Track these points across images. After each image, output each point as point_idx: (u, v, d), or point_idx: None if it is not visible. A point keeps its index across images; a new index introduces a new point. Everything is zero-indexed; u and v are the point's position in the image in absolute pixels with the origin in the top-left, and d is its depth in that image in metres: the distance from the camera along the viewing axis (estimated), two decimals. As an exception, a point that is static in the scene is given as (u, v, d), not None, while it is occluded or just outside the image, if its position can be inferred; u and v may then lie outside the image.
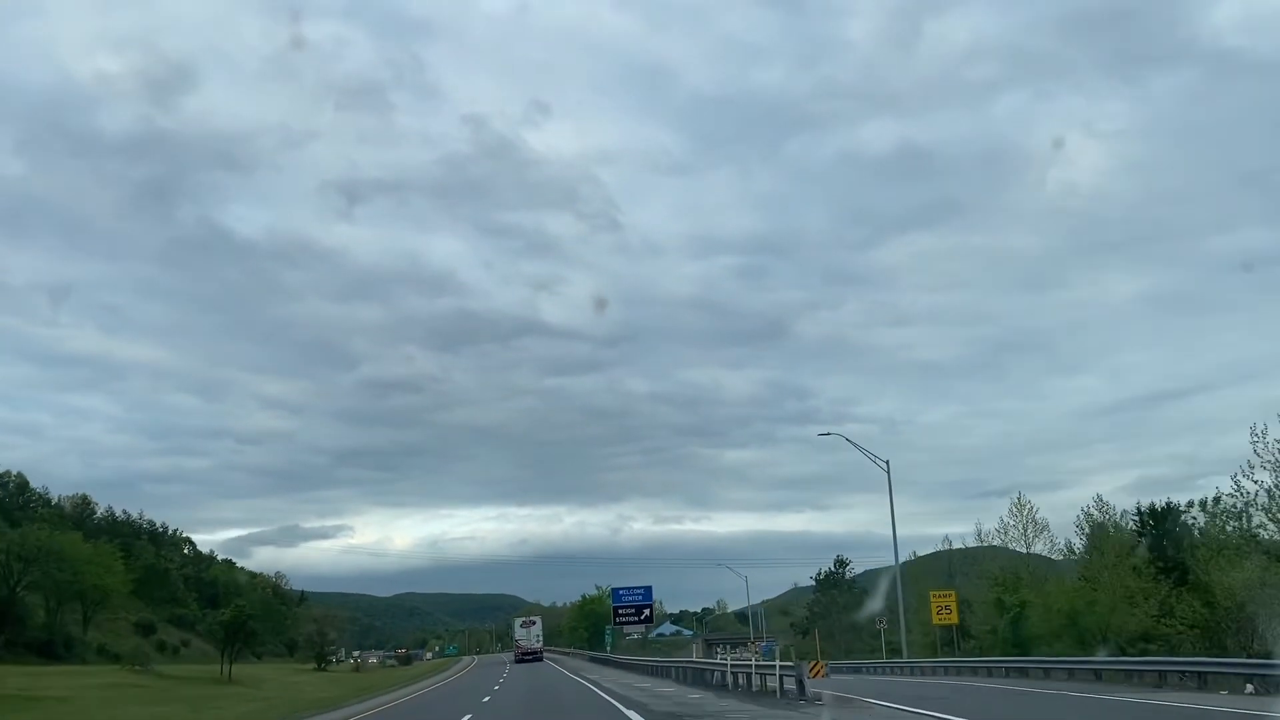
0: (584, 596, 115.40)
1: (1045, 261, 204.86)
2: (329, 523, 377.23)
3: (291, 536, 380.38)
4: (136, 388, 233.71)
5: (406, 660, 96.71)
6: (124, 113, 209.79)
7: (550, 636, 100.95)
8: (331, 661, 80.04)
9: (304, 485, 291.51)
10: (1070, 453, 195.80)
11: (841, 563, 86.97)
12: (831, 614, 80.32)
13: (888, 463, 46.76)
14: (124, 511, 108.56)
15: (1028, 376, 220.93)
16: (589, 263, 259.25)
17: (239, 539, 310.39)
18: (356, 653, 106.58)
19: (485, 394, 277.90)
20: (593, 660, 73.85)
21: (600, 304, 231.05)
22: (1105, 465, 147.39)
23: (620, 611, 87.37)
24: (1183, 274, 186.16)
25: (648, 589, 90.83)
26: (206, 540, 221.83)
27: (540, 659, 76.13)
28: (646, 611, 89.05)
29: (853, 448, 47.36)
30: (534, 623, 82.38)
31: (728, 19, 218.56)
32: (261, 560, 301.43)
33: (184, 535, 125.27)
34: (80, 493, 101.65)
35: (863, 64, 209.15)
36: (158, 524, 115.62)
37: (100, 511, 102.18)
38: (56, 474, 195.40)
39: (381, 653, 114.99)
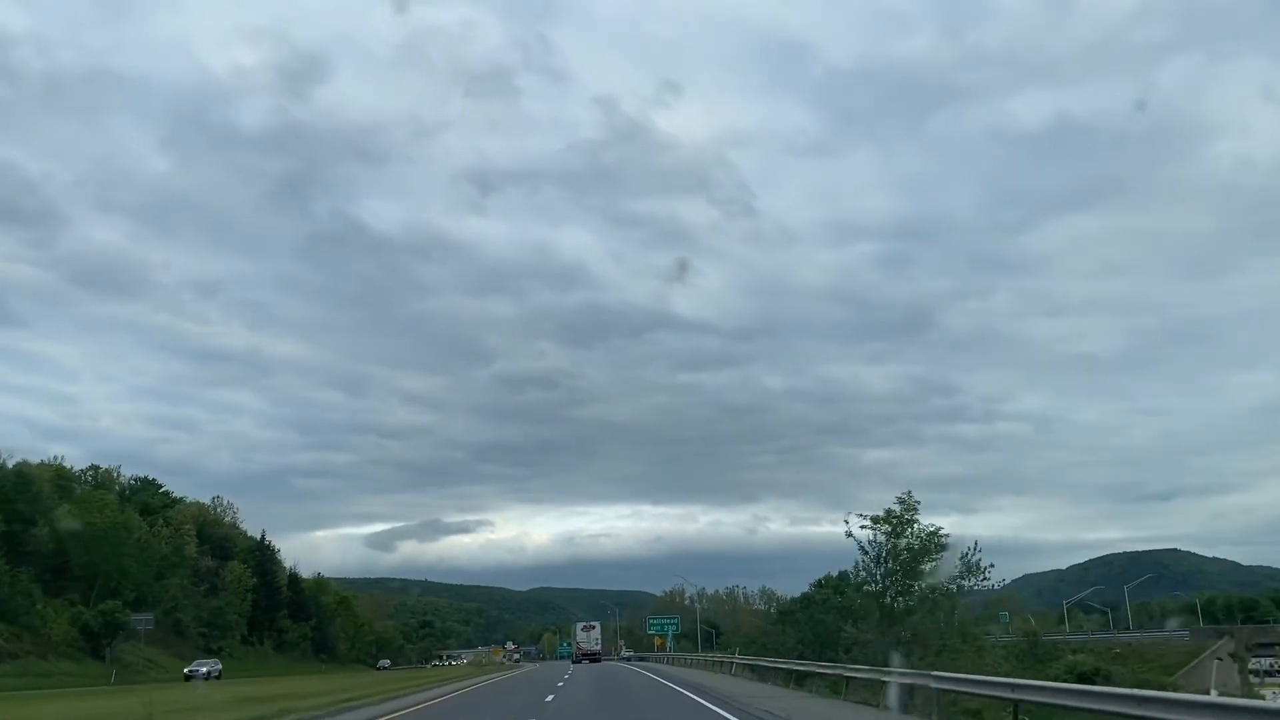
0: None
1: (1216, 244, 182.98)
2: (470, 517, 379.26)
3: (434, 531, 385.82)
4: (283, 383, 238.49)
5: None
6: (260, 106, 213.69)
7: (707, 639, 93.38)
8: None
9: (445, 480, 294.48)
10: (1240, 453, 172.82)
11: None
12: None
13: None
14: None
15: (1193, 370, 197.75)
16: (721, 252, 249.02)
17: (384, 533, 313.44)
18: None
19: (618, 389, 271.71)
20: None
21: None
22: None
23: None
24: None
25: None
26: (353, 534, 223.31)
27: (599, 660, 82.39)
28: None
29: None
30: (594, 627, 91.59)
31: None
32: (406, 554, 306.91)
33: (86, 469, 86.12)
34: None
35: (1014, 29, 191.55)
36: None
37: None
38: (210, 468, 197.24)
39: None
